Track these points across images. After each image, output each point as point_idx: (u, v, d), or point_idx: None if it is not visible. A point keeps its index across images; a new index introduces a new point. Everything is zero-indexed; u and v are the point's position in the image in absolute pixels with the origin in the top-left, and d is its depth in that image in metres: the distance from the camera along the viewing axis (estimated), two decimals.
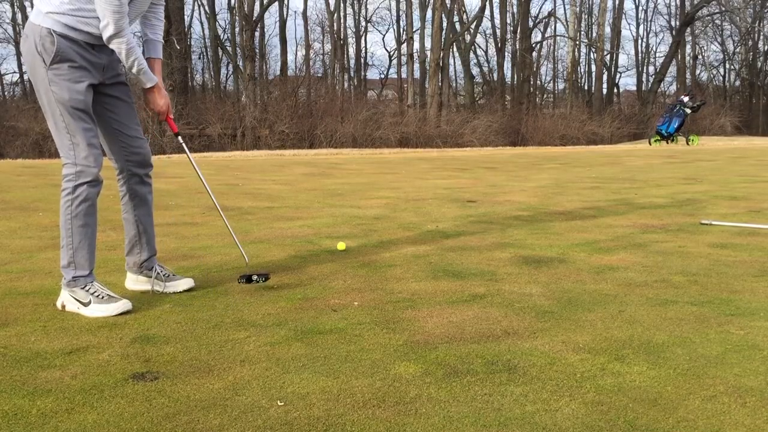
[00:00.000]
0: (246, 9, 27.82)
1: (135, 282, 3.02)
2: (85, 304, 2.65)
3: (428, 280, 3.13)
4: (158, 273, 2.97)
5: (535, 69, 37.42)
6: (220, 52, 34.45)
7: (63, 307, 2.71)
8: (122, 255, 3.02)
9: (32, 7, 2.77)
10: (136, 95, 3.10)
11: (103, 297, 2.66)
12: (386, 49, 63.64)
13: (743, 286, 2.96)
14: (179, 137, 3.03)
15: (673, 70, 39.52)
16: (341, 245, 3.86)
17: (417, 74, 32.78)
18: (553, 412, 1.76)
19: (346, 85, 37.37)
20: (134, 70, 2.69)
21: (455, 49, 34.79)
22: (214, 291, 2.97)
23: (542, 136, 26.06)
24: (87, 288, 2.68)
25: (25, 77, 34.33)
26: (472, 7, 68.99)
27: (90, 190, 2.69)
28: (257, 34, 31.00)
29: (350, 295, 2.88)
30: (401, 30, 38.29)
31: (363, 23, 39.46)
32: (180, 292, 2.95)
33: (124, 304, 2.66)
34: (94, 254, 2.77)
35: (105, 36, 2.59)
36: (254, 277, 2.99)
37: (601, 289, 2.94)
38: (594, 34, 38.59)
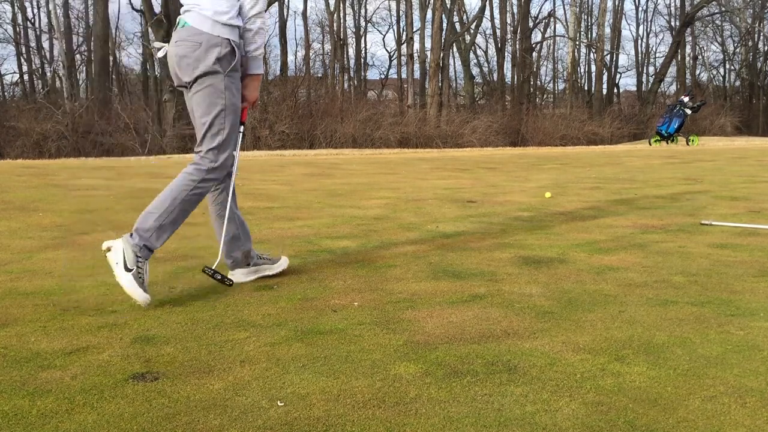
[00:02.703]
0: None
1: (247, 274, 3.13)
2: (127, 269, 2.69)
3: (428, 281, 3.13)
4: (263, 257, 3.13)
5: (535, 69, 37.43)
6: None
7: (108, 249, 2.73)
8: None
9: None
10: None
11: (142, 279, 2.72)
12: (386, 50, 63.68)
13: (743, 287, 2.96)
14: (242, 126, 3.06)
15: (673, 70, 39.54)
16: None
17: (417, 74, 32.81)
18: (554, 412, 1.76)
19: (346, 85, 37.37)
20: (258, 52, 2.91)
21: (455, 49, 34.80)
22: (214, 291, 2.97)
23: (542, 137, 26.07)
24: (140, 260, 2.72)
25: (24, 76, 34.33)
26: (472, 7, 69.03)
27: (210, 187, 2.92)
28: None
29: (350, 296, 2.88)
30: (401, 30, 38.30)
31: (363, 23, 39.48)
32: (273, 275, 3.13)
33: (146, 299, 2.70)
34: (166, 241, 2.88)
35: (254, 11, 2.82)
36: (218, 276, 2.89)
37: (601, 290, 2.94)
38: (594, 35, 38.63)
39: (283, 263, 3.23)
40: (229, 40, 2.80)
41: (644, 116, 32.19)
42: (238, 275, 3.12)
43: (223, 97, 2.83)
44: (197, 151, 2.91)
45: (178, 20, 2.90)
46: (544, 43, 39.29)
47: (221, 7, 2.78)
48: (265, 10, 2.86)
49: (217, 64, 2.78)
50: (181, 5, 2.91)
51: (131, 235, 2.76)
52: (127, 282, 2.66)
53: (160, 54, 3.00)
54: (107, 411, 1.78)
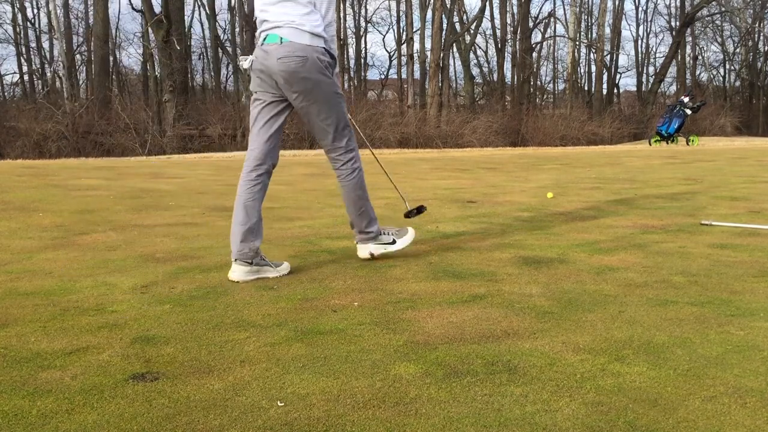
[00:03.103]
0: (246, 9, 27.84)
1: (247, 273, 3.17)
2: (391, 243, 3.52)
3: (428, 281, 3.13)
4: (265, 260, 3.26)
5: (535, 69, 37.43)
6: (221, 53, 34.47)
7: (372, 255, 3.49)
8: (122, 255, 3.04)
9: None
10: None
11: (395, 233, 3.56)
12: (386, 50, 63.68)
13: (743, 287, 2.96)
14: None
15: (673, 70, 39.54)
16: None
17: (417, 75, 32.80)
18: (554, 412, 1.76)
19: (346, 85, 37.38)
20: (335, 53, 3.22)
21: (455, 49, 34.80)
22: (214, 291, 2.97)
23: (542, 137, 26.06)
24: (384, 232, 3.54)
25: (24, 77, 34.33)
26: (472, 7, 69.04)
27: (360, 166, 3.46)
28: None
29: (350, 296, 2.88)
30: (401, 30, 38.31)
31: (363, 23, 39.48)
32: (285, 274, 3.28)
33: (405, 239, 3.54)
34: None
35: (328, 19, 3.15)
36: (414, 211, 3.71)
37: (601, 290, 2.94)
38: (594, 35, 38.63)
39: (285, 268, 3.29)
40: (325, 48, 3.13)
41: (644, 116, 32.19)
42: (238, 273, 3.15)
43: (336, 97, 3.22)
44: (331, 149, 3.33)
45: (266, 36, 3.11)
46: (544, 43, 39.33)
47: (314, 21, 3.08)
48: (333, 20, 3.20)
49: (325, 71, 3.13)
50: (264, 21, 3.13)
51: (364, 236, 3.49)
52: (401, 244, 3.54)
53: (245, 65, 3.24)
54: (107, 411, 1.78)
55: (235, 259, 3.15)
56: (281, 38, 3.06)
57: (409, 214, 3.77)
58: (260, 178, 3.21)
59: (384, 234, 3.55)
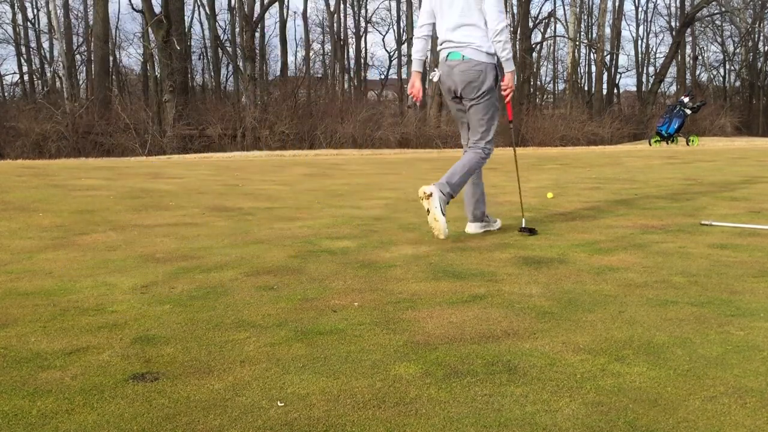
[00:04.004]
0: (246, 9, 27.83)
1: (478, 227, 4.26)
2: (443, 213, 3.85)
3: (428, 281, 3.13)
4: (488, 218, 4.33)
5: (535, 69, 37.42)
6: (221, 53, 34.47)
7: (428, 195, 3.86)
8: (122, 255, 3.04)
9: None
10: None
11: (445, 217, 3.96)
12: (386, 50, 63.70)
13: (743, 287, 2.96)
14: (510, 125, 4.42)
15: (673, 70, 39.51)
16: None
17: None
18: (554, 412, 1.76)
19: (346, 85, 37.40)
20: (509, 56, 3.95)
21: None
22: (214, 291, 2.97)
23: (542, 137, 26.04)
24: (443, 204, 3.91)
25: (24, 77, 34.39)
26: None
27: (484, 164, 4.19)
28: (257, 34, 31.02)
29: (350, 296, 2.88)
30: (401, 30, 38.32)
31: (363, 24, 39.48)
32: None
33: (446, 232, 3.90)
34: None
35: (499, 28, 3.86)
36: (527, 230, 4.25)
37: (601, 290, 2.94)
38: (594, 35, 38.61)
39: (499, 224, 4.39)
40: (494, 64, 3.93)
41: (644, 116, 32.17)
42: (472, 228, 4.22)
43: (495, 106, 4.08)
44: (475, 143, 4.12)
45: (448, 53, 3.99)
46: (544, 44, 39.30)
47: (487, 42, 3.91)
48: (506, 26, 3.89)
49: (492, 83, 3.97)
50: (447, 41, 3.98)
51: (446, 192, 3.91)
52: (443, 221, 3.83)
53: (435, 78, 4.15)
54: (107, 411, 1.78)
55: (471, 220, 4.25)
56: (463, 56, 3.93)
57: (523, 230, 4.28)
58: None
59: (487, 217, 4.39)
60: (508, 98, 4.15)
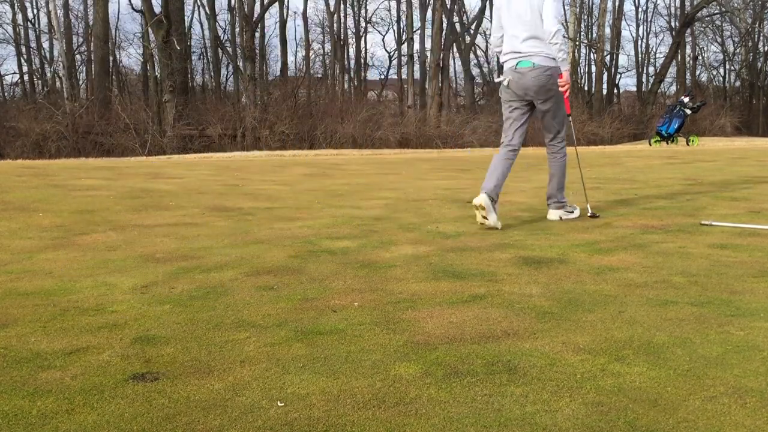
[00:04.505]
0: (246, 9, 27.82)
1: (485, 199, 4.46)
2: (572, 212, 4.87)
3: (428, 281, 3.13)
4: (564, 204, 4.89)
5: None
6: (221, 53, 34.46)
7: (560, 218, 4.80)
8: (122, 255, 3.05)
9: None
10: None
11: (572, 212, 4.89)
12: (386, 50, 63.71)
13: (743, 287, 2.96)
14: (569, 117, 4.90)
15: (673, 70, 39.49)
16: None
17: (417, 75, 32.79)
18: (554, 412, 1.76)
19: (346, 85, 37.39)
20: (565, 56, 4.48)
21: (455, 49, 34.79)
22: (214, 291, 2.97)
23: (542, 137, 26.01)
24: (567, 208, 4.88)
25: (24, 77, 34.44)
26: (472, 7, 69.05)
27: (565, 156, 4.85)
28: (257, 34, 31.00)
29: (350, 296, 2.88)
30: (401, 31, 38.31)
31: (363, 24, 39.48)
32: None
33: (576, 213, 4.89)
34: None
35: (554, 31, 4.36)
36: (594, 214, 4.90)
37: (601, 290, 2.94)
38: (594, 35, 38.60)
39: (577, 212, 4.94)
40: (558, 67, 4.48)
41: (644, 117, 32.15)
42: (482, 198, 4.46)
43: (562, 105, 4.68)
44: (552, 142, 4.80)
45: (517, 62, 4.54)
46: None
47: (552, 50, 4.43)
48: (558, 29, 4.37)
49: (557, 86, 4.53)
50: (515, 51, 4.53)
51: (556, 203, 4.82)
52: (572, 215, 4.87)
53: (505, 83, 4.65)
54: (107, 411, 1.78)
55: (483, 191, 4.56)
56: (533, 63, 4.48)
57: (592, 216, 4.90)
58: (511, 154, 4.69)
59: (568, 205, 4.91)
60: (566, 94, 4.63)
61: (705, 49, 43.56)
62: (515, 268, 3.36)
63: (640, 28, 67.11)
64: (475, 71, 37.52)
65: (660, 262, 3.48)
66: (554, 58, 4.48)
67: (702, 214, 5.08)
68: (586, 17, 39.44)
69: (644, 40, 51.49)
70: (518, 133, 4.74)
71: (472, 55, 37.21)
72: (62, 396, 1.88)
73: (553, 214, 4.83)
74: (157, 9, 24.49)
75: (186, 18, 30.81)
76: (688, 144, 18.49)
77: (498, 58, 4.90)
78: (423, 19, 32.56)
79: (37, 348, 2.26)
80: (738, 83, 43.17)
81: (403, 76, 36.01)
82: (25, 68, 34.82)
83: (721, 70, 43.60)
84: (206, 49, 35.81)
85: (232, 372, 2.05)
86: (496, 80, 4.83)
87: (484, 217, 4.42)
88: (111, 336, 2.38)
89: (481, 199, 4.41)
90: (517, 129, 4.72)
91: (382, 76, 41.52)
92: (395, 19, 42.80)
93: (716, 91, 41.54)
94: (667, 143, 18.94)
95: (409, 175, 8.92)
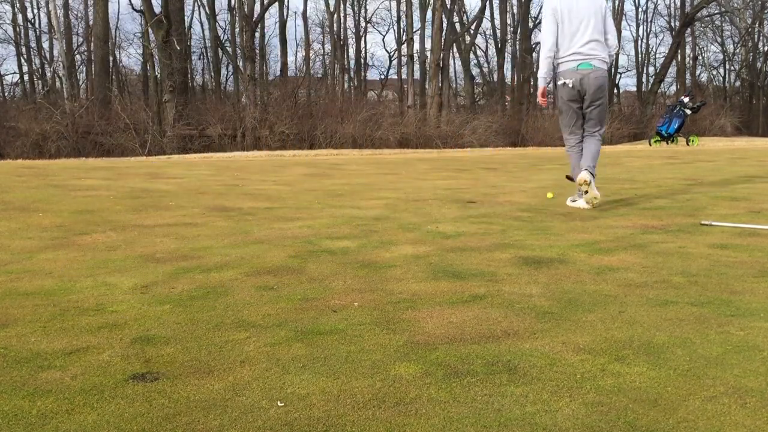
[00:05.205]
0: (246, 9, 27.82)
1: (589, 176, 5.16)
2: (575, 200, 5.54)
3: (428, 281, 3.13)
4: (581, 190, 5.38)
5: (535, 70, 37.36)
6: (221, 53, 34.48)
7: (587, 182, 5.16)
8: (122, 255, 3.06)
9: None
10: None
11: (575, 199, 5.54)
12: (386, 50, 63.73)
13: (743, 287, 2.96)
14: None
15: (673, 70, 39.50)
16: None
17: (417, 75, 32.79)
18: (554, 412, 1.76)
19: (346, 85, 37.42)
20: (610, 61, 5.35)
21: (455, 49, 34.79)
22: (214, 291, 2.97)
23: (542, 137, 26.02)
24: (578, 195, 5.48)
25: (24, 77, 34.42)
26: (472, 7, 69.04)
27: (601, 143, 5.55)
28: (257, 34, 31.01)
29: (350, 296, 2.88)
30: (401, 31, 38.32)
31: (363, 24, 39.49)
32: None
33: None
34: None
35: (618, 45, 5.47)
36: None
37: (601, 290, 2.94)
38: None
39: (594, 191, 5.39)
40: (609, 70, 5.22)
41: (644, 117, 32.15)
42: (586, 174, 5.11)
43: (606, 98, 5.39)
44: (597, 131, 5.40)
45: (578, 64, 5.18)
46: None
47: (607, 54, 5.24)
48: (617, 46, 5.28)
49: (607, 86, 5.22)
50: (576, 53, 5.17)
51: (592, 168, 5.24)
52: (598, 193, 5.26)
53: (570, 83, 5.23)
54: (107, 411, 1.78)
55: (584, 168, 5.20)
56: (593, 65, 5.16)
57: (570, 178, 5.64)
58: (581, 144, 5.43)
59: (578, 194, 5.49)
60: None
61: (705, 49, 43.59)
62: (515, 268, 3.37)
63: (640, 28, 67.02)
64: (475, 71, 37.55)
65: (660, 262, 3.48)
66: (607, 62, 5.28)
67: (702, 214, 5.08)
68: None
69: (644, 40, 51.46)
70: (579, 123, 5.47)
71: (472, 55, 37.22)
72: (62, 396, 1.88)
73: (586, 175, 5.16)
74: (157, 9, 24.49)
75: (186, 18, 30.83)
76: (688, 144, 18.49)
77: (547, 63, 5.35)
78: (423, 19, 32.58)
79: (37, 348, 2.26)
80: (738, 83, 43.19)
81: (403, 76, 36.03)
82: (25, 68, 34.86)
83: (721, 70, 43.64)
84: (206, 49, 35.85)
85: (232, 372, 2.05)
86: (559, 82, 5.44)
87: (586, 192, 5.13)
88: (111, 336, 2.38)
89: (584, 174, 5.10)
90: (577, 120, 5.45)
91: (382, 76, 41.57)
92: (395, 19, 42.83)
93: (716, 91, 41.55)
94: (667, 143, 18.94)
95: (409, 175, 8.92)
